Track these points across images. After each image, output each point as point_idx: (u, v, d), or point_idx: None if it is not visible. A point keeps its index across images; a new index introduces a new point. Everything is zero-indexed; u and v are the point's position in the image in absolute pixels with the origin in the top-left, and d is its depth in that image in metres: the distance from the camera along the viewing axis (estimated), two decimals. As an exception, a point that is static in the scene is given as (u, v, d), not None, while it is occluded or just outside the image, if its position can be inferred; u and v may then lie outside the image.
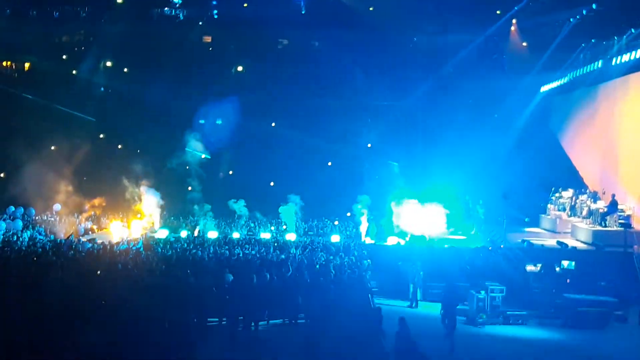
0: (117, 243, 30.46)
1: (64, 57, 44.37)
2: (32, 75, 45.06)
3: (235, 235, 35.23)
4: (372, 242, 33.87)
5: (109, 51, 44.83)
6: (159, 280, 23.00)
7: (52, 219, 36.44)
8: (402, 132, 44.13)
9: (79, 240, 31.25)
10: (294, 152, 43.55)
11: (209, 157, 44.75)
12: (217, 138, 43.56)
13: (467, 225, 36.13)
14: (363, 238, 34.16)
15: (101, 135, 45.32)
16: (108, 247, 28.78)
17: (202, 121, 42.19)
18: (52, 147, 41.01)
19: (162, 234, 35.09)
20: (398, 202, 35.07)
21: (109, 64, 46.16)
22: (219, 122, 43.85)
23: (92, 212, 38.57)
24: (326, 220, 38.88)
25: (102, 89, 46.01)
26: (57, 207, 37.45)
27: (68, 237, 31.35)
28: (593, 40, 37.79)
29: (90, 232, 36.60)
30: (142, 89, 43.15)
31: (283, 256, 28.03)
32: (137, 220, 37.13)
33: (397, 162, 43.74)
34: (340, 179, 42.67)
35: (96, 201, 39.58)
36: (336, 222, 38.51)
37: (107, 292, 20.94)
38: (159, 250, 28.77)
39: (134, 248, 29.02)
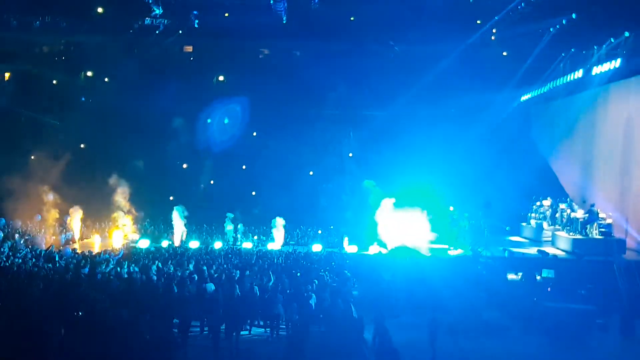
0: (98, 253, 30.28)
1: (45, 67, 44.12)
2: (11, 85, 44.76)
3: (217, 244, 35.21)
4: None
5: (90, 61, 44.66)
6: (140, 290, 22.91)
7: (33, 229, 36.18)
8: (384, 141, 44.13)
9: (60, 250, 31.06)
10: (275, 162, 43.49)
11: (189, 166, 44.74)
12: (198, 147, 43.52)
13: (451, 235, 36.09)
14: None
15: (82, 145, 45.11)
16: (89, 257, 28.59)
17: (182, 130, 42.09)
18: (32, 157, 40.76)
19: (144, 244, 35.01)
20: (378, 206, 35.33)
21: (89, 74, 46.03)
22: (199, 131, 43.78)
23: (73, 222, 38.27)
24: (308, 229, 38.89)
25: (83, 98, 45.83)
26: (37, 217, 37.19)
27: (49, 248, 31.12)
28: (573, 50, 38.01)
29: (71, 243, 36.38)
30: (123, 98, 42.94)
31: (265, 265, 28.04)
32: (118, 231, 37.03)
33: (379, 172, 43.76)
34: (321, 188, 42.68)
35: (77, 211, 39.29)
36: (319, 232, 38.55)
37: (88, 302, 20.80)
38: (140, 260, 28.67)
39: (114, 258, 28.85)
